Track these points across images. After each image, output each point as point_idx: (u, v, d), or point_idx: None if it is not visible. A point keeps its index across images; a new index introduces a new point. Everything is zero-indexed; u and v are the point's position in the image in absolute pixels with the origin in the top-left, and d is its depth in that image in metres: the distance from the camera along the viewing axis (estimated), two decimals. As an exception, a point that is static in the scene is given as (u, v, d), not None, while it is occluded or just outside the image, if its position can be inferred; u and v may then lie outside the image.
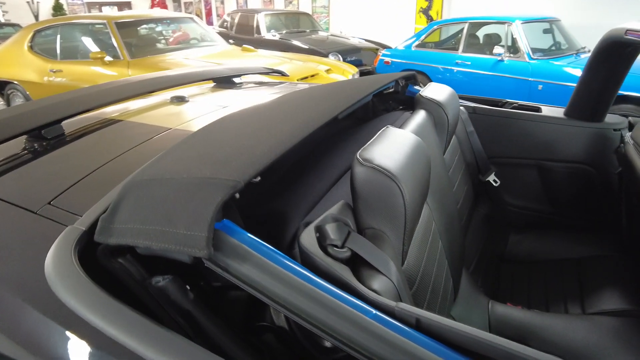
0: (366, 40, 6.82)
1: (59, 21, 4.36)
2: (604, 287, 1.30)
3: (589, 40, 4.89)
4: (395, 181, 0.70)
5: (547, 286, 1.39)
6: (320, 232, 0.64)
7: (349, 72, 4.17)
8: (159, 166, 0.67)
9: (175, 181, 0.60)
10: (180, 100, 1.41)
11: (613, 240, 1.52)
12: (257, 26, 6.69)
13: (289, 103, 1.06)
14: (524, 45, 4.15)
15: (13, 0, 12.45)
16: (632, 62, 1.40)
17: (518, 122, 1.66)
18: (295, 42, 6.08)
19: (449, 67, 4.75)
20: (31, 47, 4.25)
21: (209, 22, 14.03)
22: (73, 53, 4.16)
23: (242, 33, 6.88)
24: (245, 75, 1.90)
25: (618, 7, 5.54)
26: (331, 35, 6.99)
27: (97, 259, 0.59)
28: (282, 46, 5.92)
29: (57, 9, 13.45)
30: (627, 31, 1.18)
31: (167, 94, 1.52)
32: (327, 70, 3.98)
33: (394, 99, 1.65)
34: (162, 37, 4.51)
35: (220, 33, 6.53)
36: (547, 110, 1.68)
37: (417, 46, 5.18)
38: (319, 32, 7.11)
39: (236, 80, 1.79)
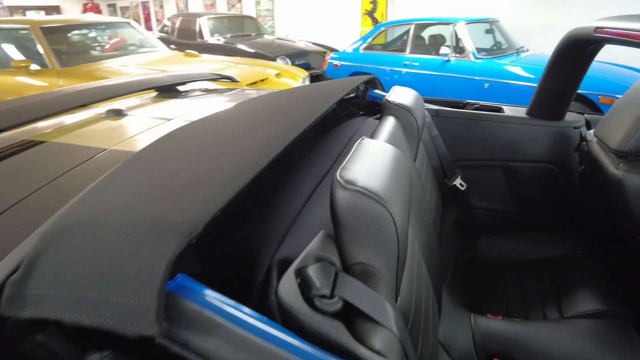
0: (313, 43, 6.75)
1: (-28, 27, 3.90)
2: (577, 288, 1.30)
3: (525, 40, 5.15)
4: (385, 205, 0.59)
5: (523, 290, 1.37)
6: (302, 277, 0.51)
7: (300, 76, 4.06)
8: (89, 204, 0.52)
9: (111, 226, 0.46)
10: (118, 114, 1.22)
11: (579, 238, 1.53)
12: (200, 30, 6.43)
13: (250, 114, 0.92)
14: (469, 45, 4.25)
15: None
16: (592, 60, 1.40)
17: (481, 124, 1.63)
18: (241, 46, 5.87)
19: (397, 69, 4.79)
20: (-59, 57, 3.77)
21: (148, 28, 13.47)
22: (-8, 62, 3.73)
23: (184, 38, 6.60)
24: (191, 83, 1.74)
25: (552, 9, 5.85)
26: (277, 38, 6.86)
27: (3, 337, 0.43)
28: (227, 50, 5.70)
29: (-26, 14, 12.37)
30: (597, 29, 1.16)
31: (101, 107, 1.32)
32: (277, 75, 3.85)
33: (354, 104, 1.56)
34: (97, 44, 4.15)
35: (160, 38, 6.22)
36: (509, 110, 1.67)
37: (364, 49, 5.18)
38: (265, 35, 6.95)
39: (181, 88, 1.62)
